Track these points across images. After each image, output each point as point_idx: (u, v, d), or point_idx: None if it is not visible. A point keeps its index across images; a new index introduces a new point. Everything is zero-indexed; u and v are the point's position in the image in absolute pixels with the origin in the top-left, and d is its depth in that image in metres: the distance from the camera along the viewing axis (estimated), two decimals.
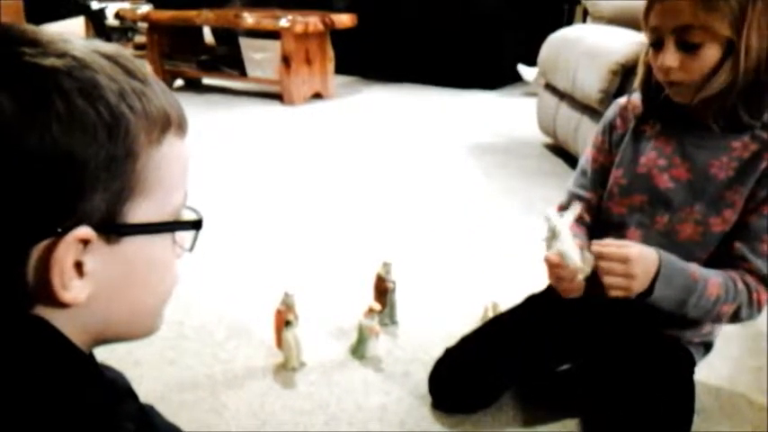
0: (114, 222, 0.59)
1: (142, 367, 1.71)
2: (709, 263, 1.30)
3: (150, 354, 1.77)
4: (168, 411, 1.54)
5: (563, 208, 1.41)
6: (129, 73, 0.60)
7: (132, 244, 0.61)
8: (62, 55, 0.57)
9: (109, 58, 0.60)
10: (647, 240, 1.33)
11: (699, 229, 1.30)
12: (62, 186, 0.55)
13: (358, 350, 1.78)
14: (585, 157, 1.47)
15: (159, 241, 0.65)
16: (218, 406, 1.59)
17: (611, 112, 1.42)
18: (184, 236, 0.69)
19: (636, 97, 1.39)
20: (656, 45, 1.22)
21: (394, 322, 1.94)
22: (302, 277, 2.17)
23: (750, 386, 1.69)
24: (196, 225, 0.69)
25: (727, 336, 1.88)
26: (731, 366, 1.76)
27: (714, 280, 1.26)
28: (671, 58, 1.19)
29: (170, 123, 0.63)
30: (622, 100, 1.42)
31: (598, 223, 1.44)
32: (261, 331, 1.86)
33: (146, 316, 0.69)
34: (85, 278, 0.59)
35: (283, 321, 1.72)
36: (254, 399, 1.61)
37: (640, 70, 1.33)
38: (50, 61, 0.56)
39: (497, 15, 5.01)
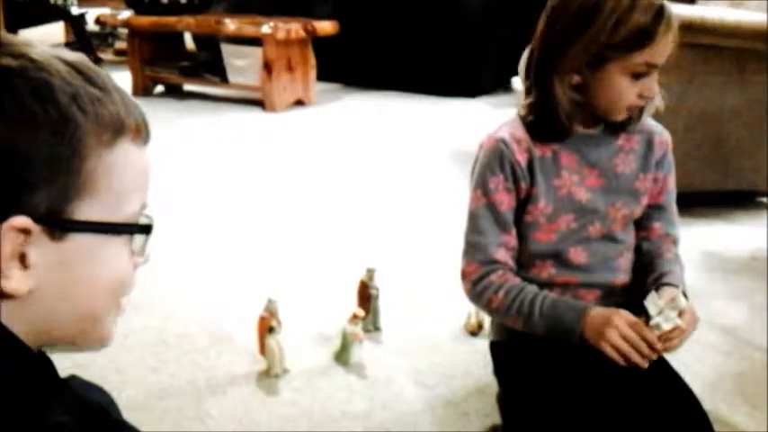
0: (58, 218, 0.61)
1: (124, 374, 1.70)
2: (637, 249, 1.43)
3: (132, 361, 1.75)
4: (151, 419, 1.54)
5: (487, 262, 1.35)
6: (88, 80, 0.63)
7: (78, 242, 0.63)
8: (19, 56, 0.60)
9: (69, 64, 0.63)
10: (591, 252, 1.37)
11: (626, 220, 1.40)
12: (3, 178, 0.57)
13: (342, 356, 1.77)
14: (484, 204, 1.36)
15: (109, 244, 0.66)
16: (201, 413, 1.58)
17: (504, 149, 1.33)
18: (142, 245, 0.70)
19: (511, 129, 1.36)
20: (639, 76, 1.25)
21: (377, 328, 1.94)
22: (285, 284, 2.16)
23: (732, 392, 1.70)
24: (144, 230, 0.70)
25: (709, 343, 1.90)
26: (713, 373, 1.78)
27: (677, 268, 1.38)
28: (656, 86, 1.28)
29: (125, 129, 0.65)
30: (504, 135, 1.35)
31: (522, 257, 1.39)
32: (243, 338, 1.85)
33: (92, 321, 0.69)
34: (29, 271, 0.60)
35: (266, 328, 1.71)
36: (237, 406, 1.61)
37: (539, 101, 1.32)
38: (5, 61, 0.59)
39: (480, 24, 5.03)
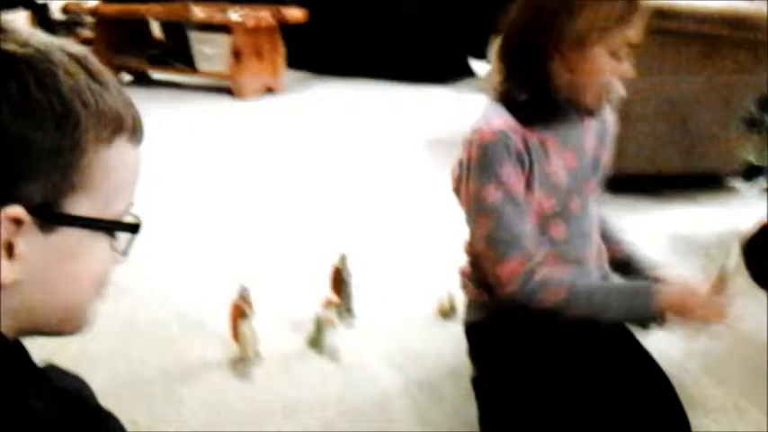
0: (51, 211, 0.60)
1: (95, 361, 1.68)
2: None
3: (103, 348, 1.73)
4: (123, 406, 1.51)
5: (524, 258, 1.32)
6: (91, 74, 0.62)
7: (67, 236, 0.62)
8: (24, 44, 0.59)
9: (72, 56, 0.62)
10: (570, 225, 1.39)
11: (595, 193, 1.46)
12: (2, 167, 0.56)
13: (315, 342, 1.77)
14: (502, 198, 1.31)
15: (95, 240, 0.66)
16: (173, 400, 1.57)
17: (508, 140, 1.30)
18: (122, 243, 0.70)
19: (501, 119, 1.33)
20: (616, 56, 1.28)
21: (351, 313, 1.94)
22: (258, 270, 2.16)
23: (700, 370, 1.74)
24: (133, 228, 0.70)
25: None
26: (681, 352, 1.80)
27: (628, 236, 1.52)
28: (630, 68, 1.31)
29: (123, 127, 0.65)
30: (500, 126, 1.32)
31: None
32: (215, 324, 1.84)
33: (74, 311, 0.69)
34: (16, 260, 0.60)
35: (239, 314, 1.70)
36: (210, 392, 1.60)
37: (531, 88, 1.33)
38: (11, 47, 0.58)
39: (450, 9, 5.04)
